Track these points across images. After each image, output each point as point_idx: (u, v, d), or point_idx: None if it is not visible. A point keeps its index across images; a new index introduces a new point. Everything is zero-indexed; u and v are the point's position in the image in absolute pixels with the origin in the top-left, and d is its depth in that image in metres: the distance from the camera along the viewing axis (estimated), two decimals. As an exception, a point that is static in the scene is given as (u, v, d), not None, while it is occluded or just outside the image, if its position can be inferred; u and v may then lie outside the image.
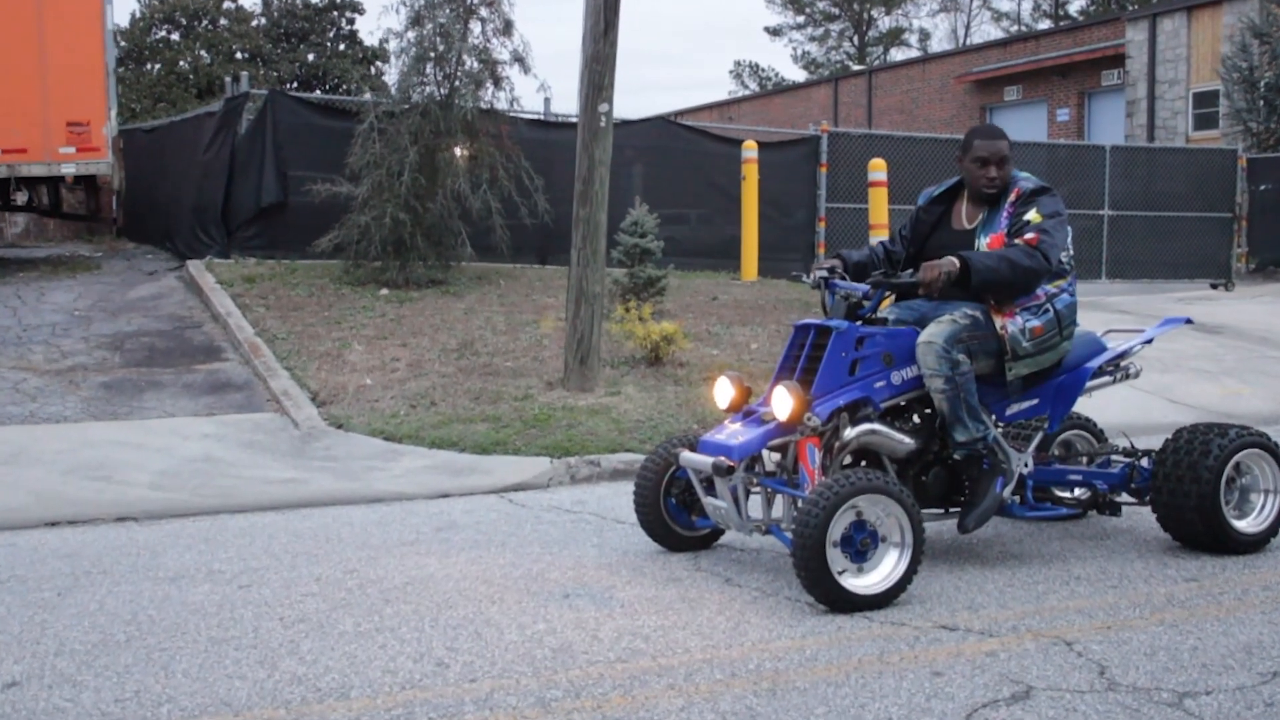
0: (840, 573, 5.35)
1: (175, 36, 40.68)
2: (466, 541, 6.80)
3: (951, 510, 6.18)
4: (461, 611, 5.43)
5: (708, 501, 6.04)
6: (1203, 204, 20.22)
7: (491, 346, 11.64)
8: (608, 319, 11.15)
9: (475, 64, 14.05)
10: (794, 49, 71.55)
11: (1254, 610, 5.40)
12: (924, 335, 5.97)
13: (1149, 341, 6.85)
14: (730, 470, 5.77)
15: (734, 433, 5.97)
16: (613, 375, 10.75)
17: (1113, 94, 32.15)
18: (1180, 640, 4.97)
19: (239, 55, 39.34)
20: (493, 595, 5.69)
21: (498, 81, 14.16)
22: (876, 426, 5.89)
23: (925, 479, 6.12)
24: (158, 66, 39.45)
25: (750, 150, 16.32)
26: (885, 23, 67.66)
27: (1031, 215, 6.10)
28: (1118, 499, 6.64)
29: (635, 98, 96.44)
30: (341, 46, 42.27)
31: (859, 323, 6.07)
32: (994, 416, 6.23)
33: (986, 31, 66.69)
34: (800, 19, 68.28)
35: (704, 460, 5.87)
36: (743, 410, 6.17)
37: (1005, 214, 6.20)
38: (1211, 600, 5.56)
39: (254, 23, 41.69)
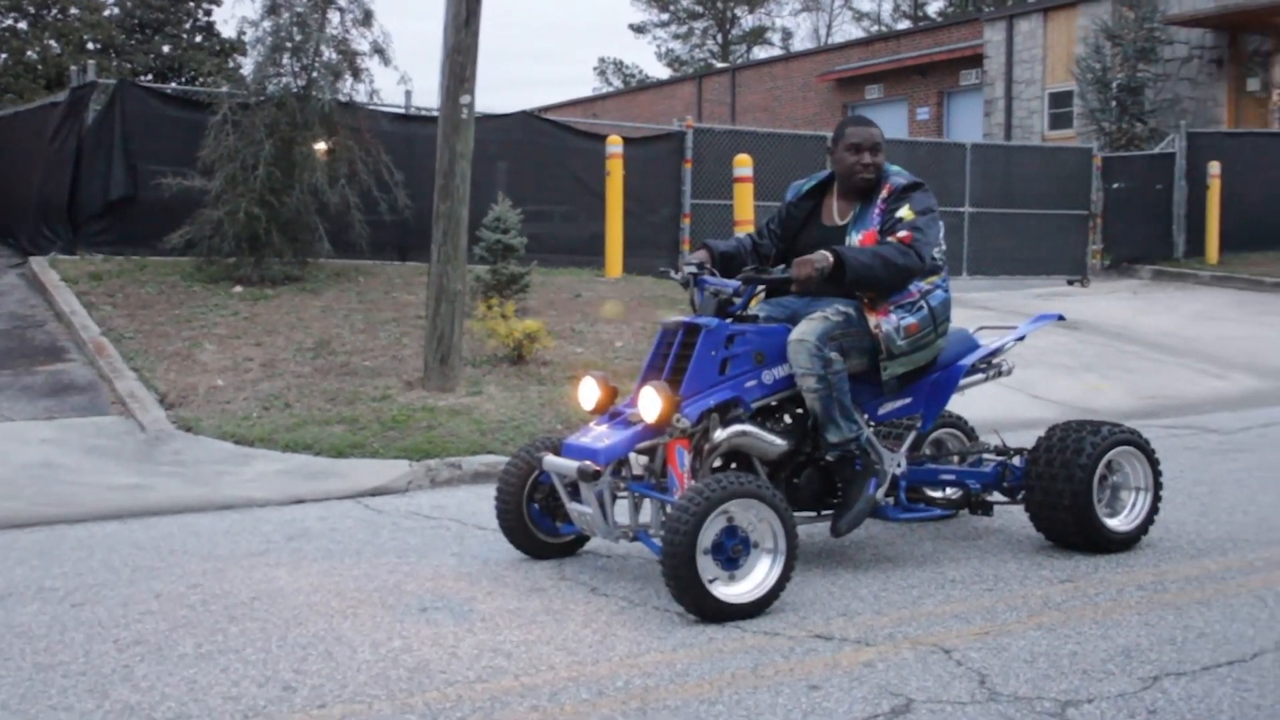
0: (711, 581, 5.15)
1: (23, 25, 39.36)
2: (319, 551, 6.47)
3: (824, 513, 6.02)
4: (312, 628, 5.12)
5: (572, 507, 5.79)
6: (1060, 201, 20.50)
7: (349, 345, 11.27)
8: (469, 317, 10.87)
9: (334, 55, 13.65)
10: (658, 46, 71.57)
11: (1130, 612, 5.30)
12: (795, 333, 5.79)
13: (1022, 338, 6.78)
14: (596, 475, 5.53)
15: (600, 435, 5.74)
16: (474, 375, 10.46)
17: (971, 93, 32.60)
18: (1059, 645, 4.85)
19: (90, 45, 38.16)
20: (346, 610, 5.38)
21: (357, 73, 13.78)
22: (747, 428, 5.70)
23: (797, 481, 5.94)
24: (4, 56, 38.13)
25: (615, 146, 16.09)
26: (748, 21, 68.10)
27: (904, 212, 5.97)
28: (990, 498, 6.54)
29: (499, 94, 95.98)
30: (198, 39, 41.26)
31: (729, 320, 5.88)
32: (867, 416, 6.08)
33: (848, 31, 67.53)
34: (664, 16, 68.41)
35: (568, 464, 5.62)
36: (609, 411, 5.94)
37: (878, 210, 6.06)
38: (1087, 602, 5.45)
39: (106, 13, 40.49)
